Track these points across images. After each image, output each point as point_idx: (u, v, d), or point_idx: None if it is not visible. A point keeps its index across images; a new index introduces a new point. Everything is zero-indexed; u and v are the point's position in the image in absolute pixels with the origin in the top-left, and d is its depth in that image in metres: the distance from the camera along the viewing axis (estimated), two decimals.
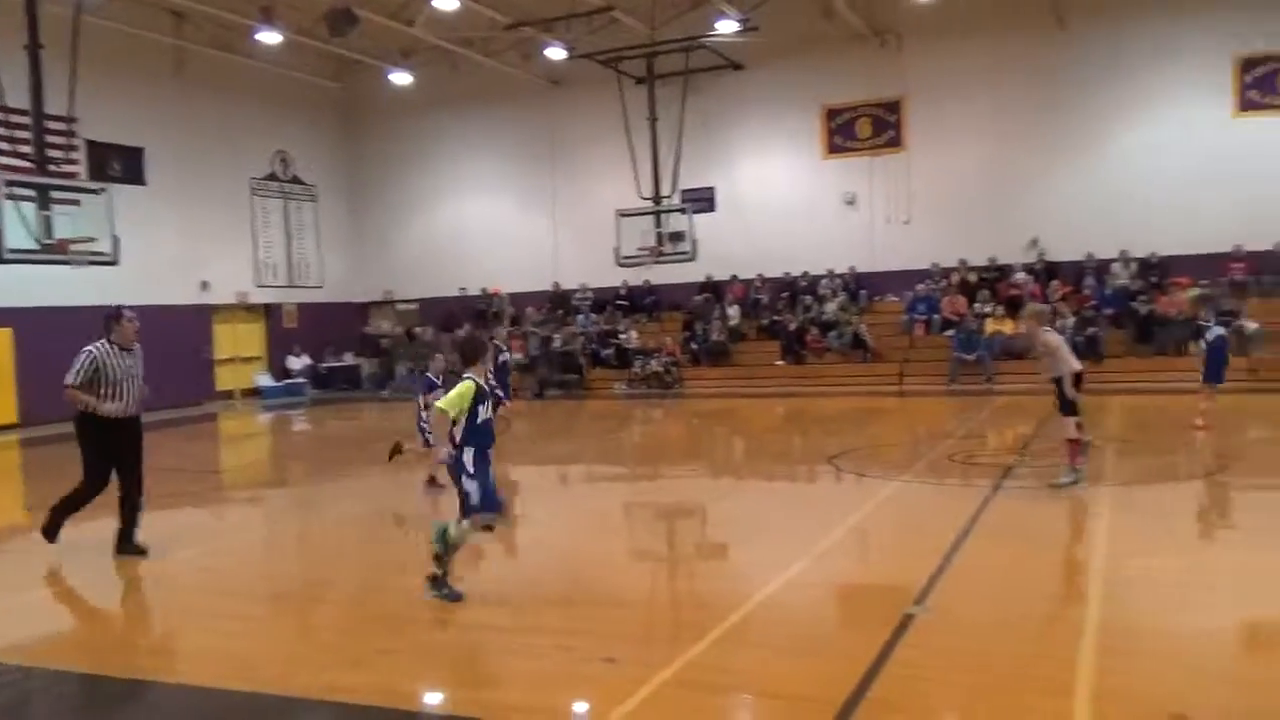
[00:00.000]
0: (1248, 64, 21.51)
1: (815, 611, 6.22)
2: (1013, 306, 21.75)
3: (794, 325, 23.05)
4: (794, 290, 24.47)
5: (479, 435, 6.24)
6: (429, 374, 11.21)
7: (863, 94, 24.28)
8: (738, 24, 21.97)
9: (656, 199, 23.21)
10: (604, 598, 6.48)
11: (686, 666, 5.13)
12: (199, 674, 5.44)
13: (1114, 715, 4.34)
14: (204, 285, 24.75)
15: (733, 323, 24.18)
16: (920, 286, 23.21)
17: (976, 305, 22.12)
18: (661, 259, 22.74)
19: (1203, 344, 13.49)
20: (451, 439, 6.24)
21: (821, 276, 24.38)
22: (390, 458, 11.41)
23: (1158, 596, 6.15)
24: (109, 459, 7.92)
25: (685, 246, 22.43)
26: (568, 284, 27.08)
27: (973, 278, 22.96)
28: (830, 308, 23.39)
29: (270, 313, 27.10)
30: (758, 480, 12.03)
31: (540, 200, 27.65)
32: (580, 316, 26.05)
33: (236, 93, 25.48)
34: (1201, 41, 21.62)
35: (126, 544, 8.00)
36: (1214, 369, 13.35)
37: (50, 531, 8.10)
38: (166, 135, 24.03)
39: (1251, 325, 19.60)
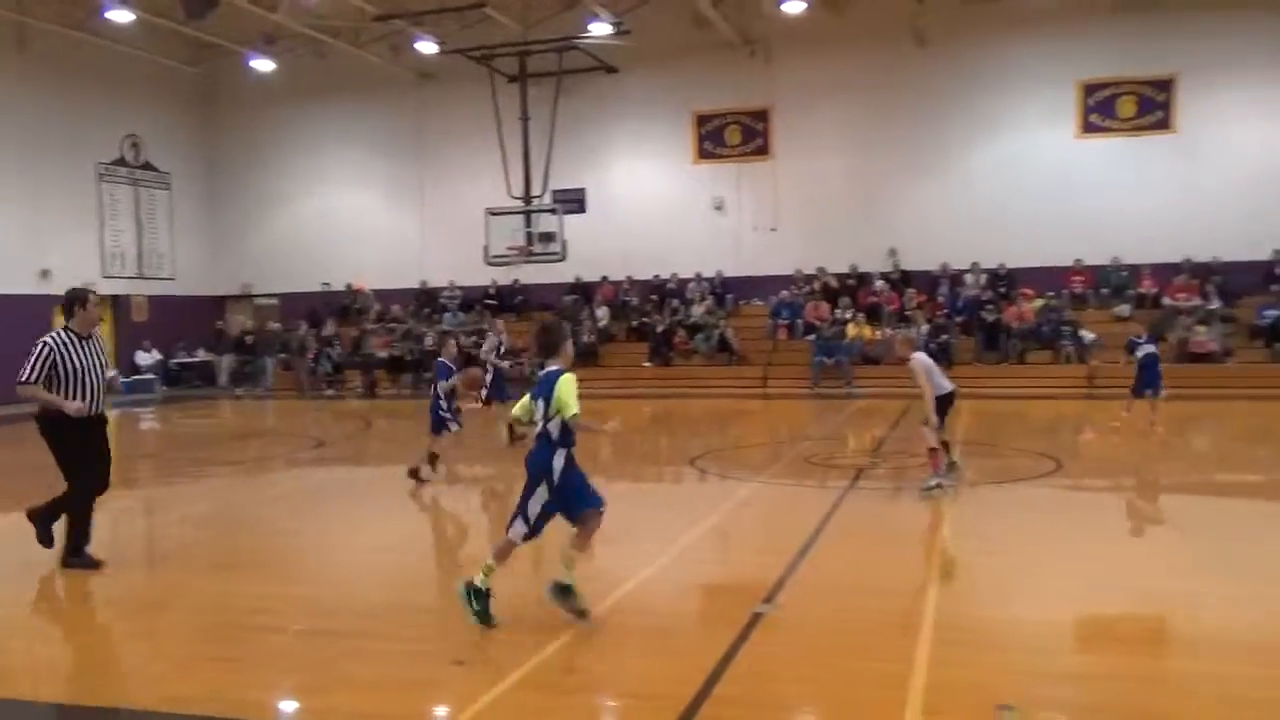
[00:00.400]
0: (1089, 88, 22.80)
1: (668, 611, 6.29)
2: (872, 313, 22.53)
3: (662, 327, 23.28)
4: (662, 293, 24.72)
5: (570, 434, 5.66)
6: (443, 359, 11.22)
7: (732, 102, 24.73)
8: (610, 27, 22.08)
9: (527, 199, 23.12)
10: (457, 601, 6.41)
11: (537, 668, 5.12)
12: (26, 687, 5.14)
13: (944, 706, 4.53)
14: (44, 274, 23.37)
15: (601, 324, 24.27)
16: (784, 292, 23.78)
17: (837, 311, 22.78)
18: (531, 259, 22.66)
19: (1135, 358, 14.37)
20: (546, 436, 5.65)
21: (690, 280, 24.71)
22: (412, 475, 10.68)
23: (991, 591, 6.45)
24: (84, 456, 7.20)
25: (555, 247, 22.40)
26: (435, 282, 26.70)
27: (834, 284, 23.63)
28: (697, 311, 23.72)
29: (118, 305, 25.80)
30: (624, 481, 12.08)
31: (408, 195, 27.19)
32: (448, 315, 25.71)
33: (84, 73, 24.20)
34: (1049, 66, 22.82)
35: (77, 556, 7.26)
36: (1149, 380, 14.19)
37: (44, 538, 7.36)
38: (6, 116, 22.67)
39: (1089, 335, 20.78)
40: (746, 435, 16.10)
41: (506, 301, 25.78)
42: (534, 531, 5.75)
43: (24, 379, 6.97)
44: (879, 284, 23.35)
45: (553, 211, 22.65)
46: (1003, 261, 22.86)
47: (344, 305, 26.53)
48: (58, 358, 6.97)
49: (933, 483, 9.38)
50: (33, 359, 6.96)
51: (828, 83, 23.87)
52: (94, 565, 7.23)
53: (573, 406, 5.54)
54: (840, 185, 24.07)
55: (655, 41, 23.45)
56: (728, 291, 24.54)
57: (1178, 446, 13.99)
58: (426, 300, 26.48)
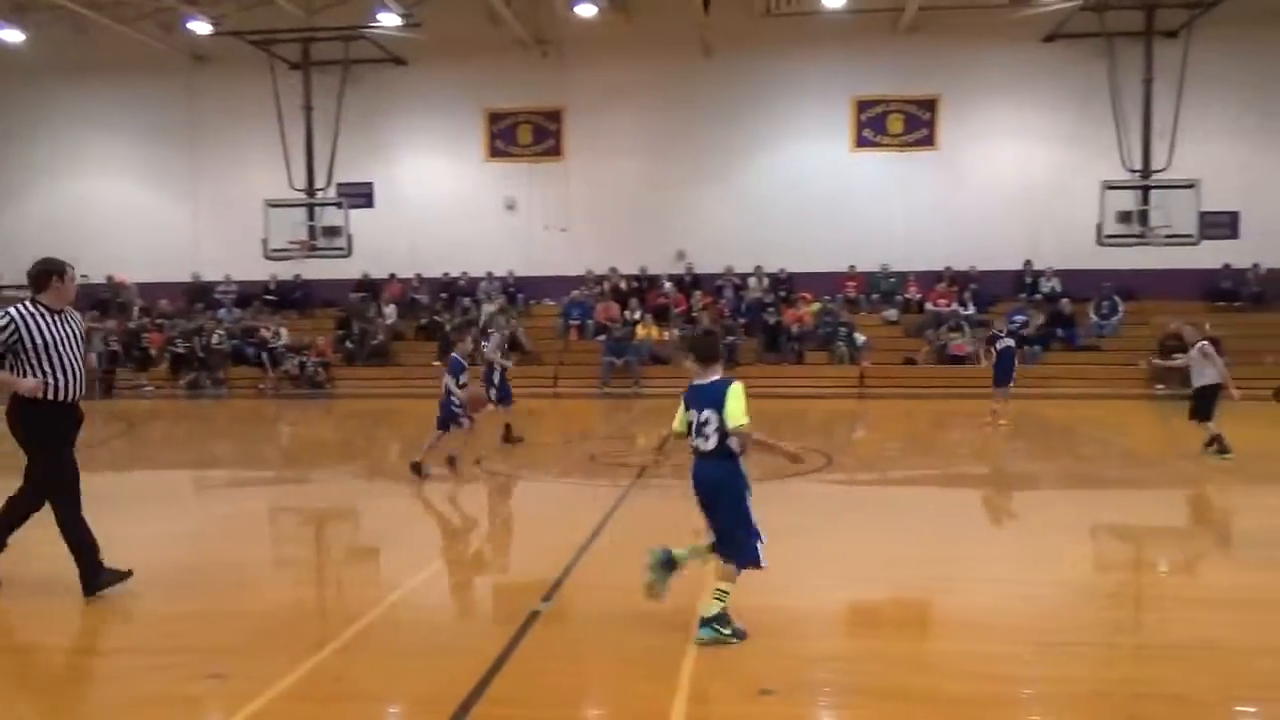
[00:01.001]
0: (863, 105, 24.17)
1: (445, 613, 6.19)
2: (660, 315, 23.02)
3: (451, 326, 22.94)
4: (453, 291, 24.37)
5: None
6: (457, 355, 11.15)
7: (525, 101, 24.69)
8: (399, 18, 21.57)
9: (310, 191, 22.27)
10: (218, 610, 6.08)
11: (303, 677, 4.91)
12: None
13: (709, 695, 4.67)
14: None
15: (389, 322, 23.67)
16: (575, 292, 23.94)
17: (627, 312, 23.14)
18: (314, 254, 21.83)
19: (994, 352, 15.40)
20: (728, 450, 5.35)
21: (481, 278, 24.47)
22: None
23: (760, 582, 6.69)
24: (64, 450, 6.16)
25: (340, 242, 21.70)
26: (209, 275, 25.27)
27: (624, 285, 24.00)
28: (488, 309, 23.51)
29: None
30: (406, 482, 11.81)
31: (179, 184, 25.62)
32: (222, 310, 24.38)
33: None
34: (826, 82, 24.04)
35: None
36: (1004, 374, 15.13)
37: None
38: None
39: (861, 337, 22.02)
40: (536, 434, 16.05)
41: (287, 297, 24.72)
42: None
43: None
44: (667, 286, 23.90)
45: (338, 205, 21.93)
46: (784, 266, 23.89)
47: (103, 299, 24.67)
48: (23, 332, 5.98)
49: None
50: None
51: (619, 87, 24.23)
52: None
53: (741, 417, 5.30)
54: (631, 188, 24.48)
55: (447, 36, 23.10)
56: (519, 291, 24.46)
57: (935, 441, 15.03)
58: (199, 294, 25.01)
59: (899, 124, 24.16)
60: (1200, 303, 22.33)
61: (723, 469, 5.42)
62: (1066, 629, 5.68)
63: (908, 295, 23.57)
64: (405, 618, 5.96)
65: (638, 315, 23.04)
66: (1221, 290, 22.77)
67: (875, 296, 23.77)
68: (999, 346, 15.52)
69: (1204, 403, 11.74)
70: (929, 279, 23.64)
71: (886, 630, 5.86)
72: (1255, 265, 22.87)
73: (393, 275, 24.84)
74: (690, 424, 5.50)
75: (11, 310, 6.08)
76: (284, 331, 23.29)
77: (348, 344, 23.25)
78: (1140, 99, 21.50)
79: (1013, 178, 23.63)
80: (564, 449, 14.02)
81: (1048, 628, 5.67)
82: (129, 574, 6.18)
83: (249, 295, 24.76)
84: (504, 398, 13.27)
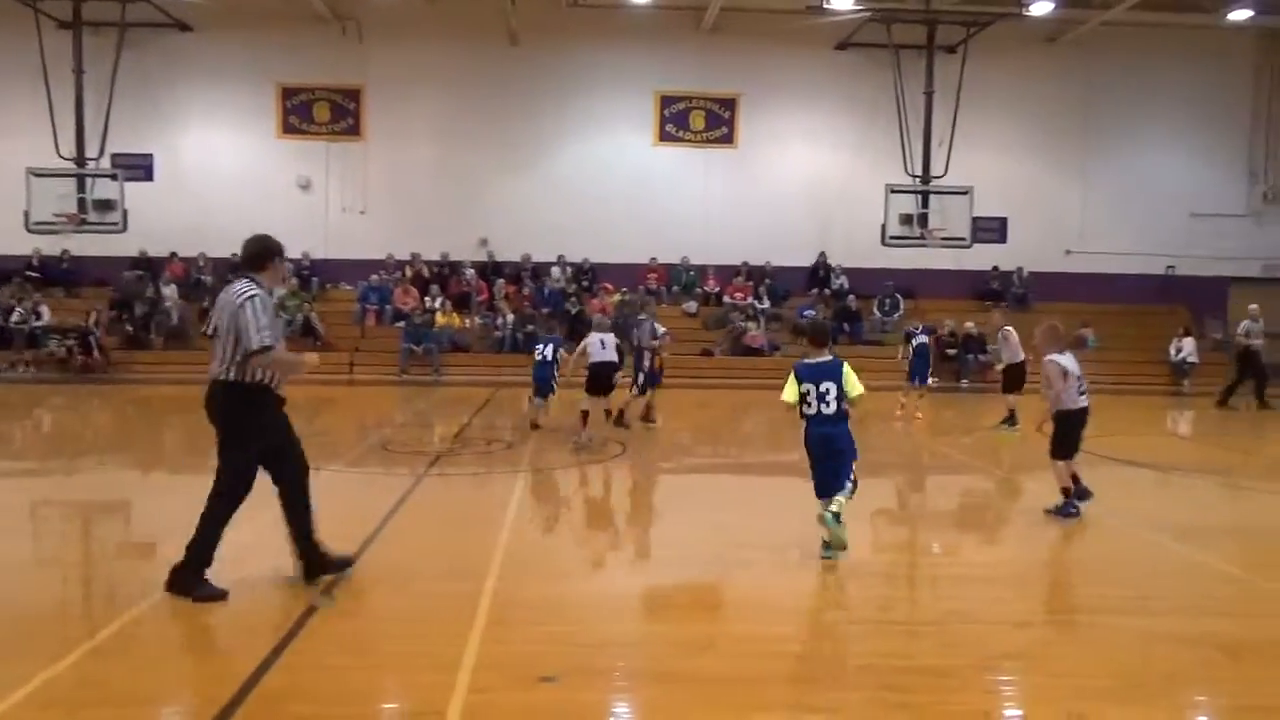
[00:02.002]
0: (666, 100, 24.58)
1: (214, 611, 5.85)
2: (461, 302, 22.68)
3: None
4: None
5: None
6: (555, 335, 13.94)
7: (322, 77, 23.76)
8: None
9: (80, 161, 20.65)
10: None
11: (47, 684, 4.53)
12: None
13: (490, 682, 4.60)
14: None
15: (168, 303, 22.24)
16: (374, 277, 23.24)
17: (428, 299, 22.66)
18: (84, 228, 20.25)
19: (910, 348, 15.85)
20: (844, 415, 6.74)
21: None
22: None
23: (548, 569, 6.69)
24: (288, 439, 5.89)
25: (114, 217, 20.28)
26: None
27: (425, 272, 23.49)
28: (279, 292, 22.44)
29: None
30: (178, 475, 11.12)
31: None
32: None
33: None
34: (632, 75, 24.29)
35: (320, 562, 6.00)
36: (920, 370, 15.67)
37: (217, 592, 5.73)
38: None
39: (661, 329, 22.34)
40: (329, 423, 15.49)
41: (52, 273, 22.82)
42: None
43: (268, 342, 5.47)
44: (469, 273, 23.56)
45: (112, 177, 20.45)
46: (586, 256, 24.00)
47: None
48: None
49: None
50: (259, 314, 5.46)
51: (423, 69, 23.69)
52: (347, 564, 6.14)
53: (859, 387, 6.73)
54: (433, 172, 23.99)
55: (236, 3, 21.92)
56: (313, 274, 23.52)
57: (730, 430, 15.49)
58: None
59: (701, 120, 24.71)
60: (971, 301, 23.99)
61: (841, 428, 6.79)
62: (839, 608, 5.95)
63: (707, 288, 24.16)
64: (168, 618, 5.59)
65: (438, 302, 22.60)
66: (990, 290, 24.52)
67: (675, 289, 24.24)
68: (914, 344, 16.16)
69: (1011, 380, 13.28)
70: (727, 273, 24.32)
71: (671, 614, 5.96)
72: (1020, 269, 24.77)
73: (174, 254, 23.35)
74: (805, 394, 6.77)
75: (253, 288, 5.63)
76: (45, 310, 21.47)
77: (126, 326, 21.69)
78: (922, 109, 22.81)
79: (806, 178, 24.62)
80: (357, 438, 13.57)
81: (822, 607, 5.93)
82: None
83: (8, 271, 22.66)
84: (652, 382, 13.80)
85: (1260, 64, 25.41)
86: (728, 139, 24.78)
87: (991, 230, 23.95)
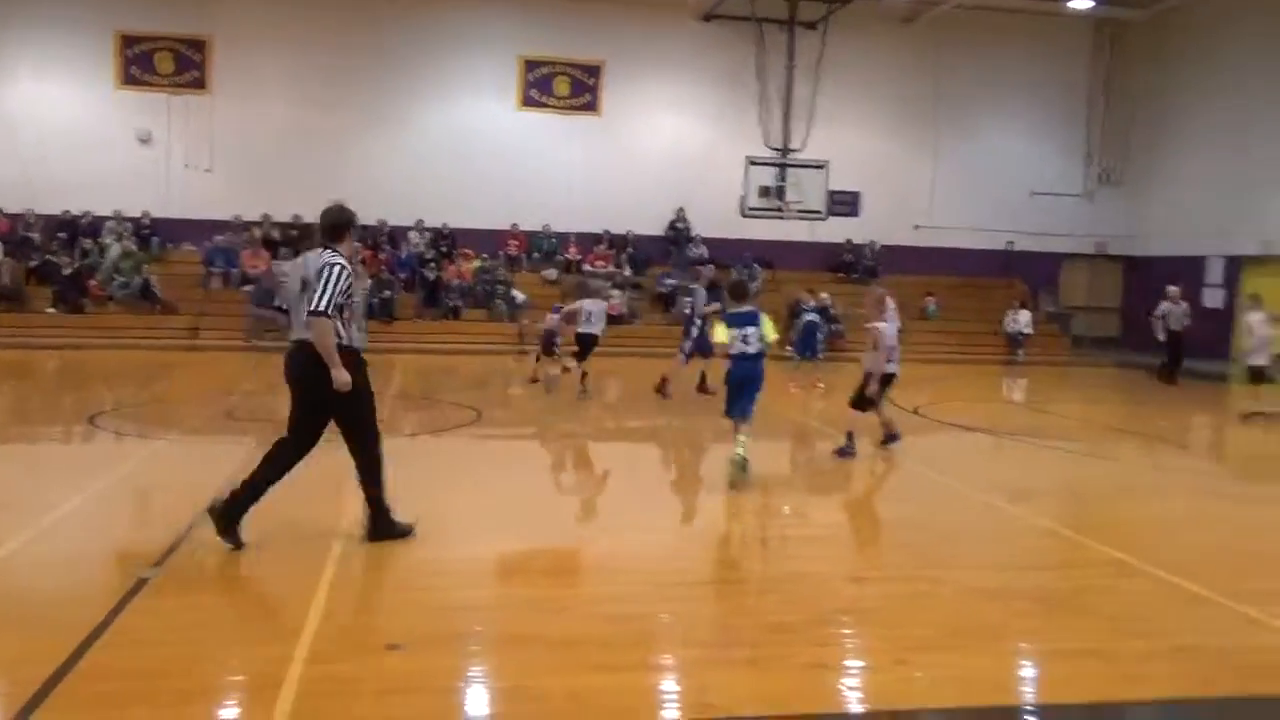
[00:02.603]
0: (530, 64, 24.26)
1: (35, 585, 5.54)
2: None
3: (71, 270, 20.55)
4: (74, 231, 21.80)
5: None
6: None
7: (163, 25, 22.51)
8: None
9: None
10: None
11: None
12: None
13: (331, 654, 4.50)
14: None
15: None
16: (220, 238, 22.25)
17: (277, 262, 21.85)
18: None
19: (799, 323, 15.99)
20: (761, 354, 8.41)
21: (107, 218, 22.07)
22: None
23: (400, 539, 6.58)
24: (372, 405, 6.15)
25: None
26: None
27: (276, 234, 22.64)
28: (115, 252, 21.28)
29: None
30: (5, 444, 10.47)
31: None
32: None
33: None
34: (495, 39, 23.89)
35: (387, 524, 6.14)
36: (807, 344, 15.81)
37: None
38: None
39: (520, 296, 22.24)
40: (168, 390, 14.84)
41: None
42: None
43: (321, 307, 5.64)
44: None
45: None
46: (446, 221, 23.58)
47: None
48: (351, 286, 5.81)
49: None
50: (331, 282, 5.67)
51: (275, 23, 22.70)
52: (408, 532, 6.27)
53: (773, 333, 8.46)
54: (285, 130, 23.06)
55: None
56: (154, 234, 22.34)
57: (592, 397, 15.53)
58: None
59: (565, 86, 24.51)
60: (825, 273, 24.65)
61: (759, 366, 8.40)
62: (687, 569, 6.06)
63: (568, 255, 24.09)
64: None
65: (289, 265, 21.80)
66: (843, 263, 25.25)
67: (536, 255, 24.09)
68: (805, 319, 16.29)
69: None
70: (588, 241, 24.29)
71: (525, 578, 5.97)
72: (872, 242, 25.57)
73: (0, 210, 21.83)
74: (733, 336, 8.29)
75: (340, 260, 5.83)
76: None
77: None
78: (783, 83, 23.22)
79: (669, 148, 24.74)
80: (199, 406, 13.02)
81: (671, 569, 6.03)
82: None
83: None
84: (704, 349, 13.60)
85: (1097, 52, 26.80)
86: (591, 106, 24.66)
87: (846, 204, 24.62)
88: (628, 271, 23.80)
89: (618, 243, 24.36)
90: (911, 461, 9.82)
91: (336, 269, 5.75)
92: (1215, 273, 24.07)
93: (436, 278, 22.11)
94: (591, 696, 4.18)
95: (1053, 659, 4.82)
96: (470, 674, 4.49)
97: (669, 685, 4.44)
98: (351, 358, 5.91)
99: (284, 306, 6.12)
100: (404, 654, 4.52)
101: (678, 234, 24.89)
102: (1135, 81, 26.55)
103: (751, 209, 22.20)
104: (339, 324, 5.81)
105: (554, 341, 14.82)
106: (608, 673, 4.43)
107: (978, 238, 25.95)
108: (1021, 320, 23.41)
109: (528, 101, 24.37)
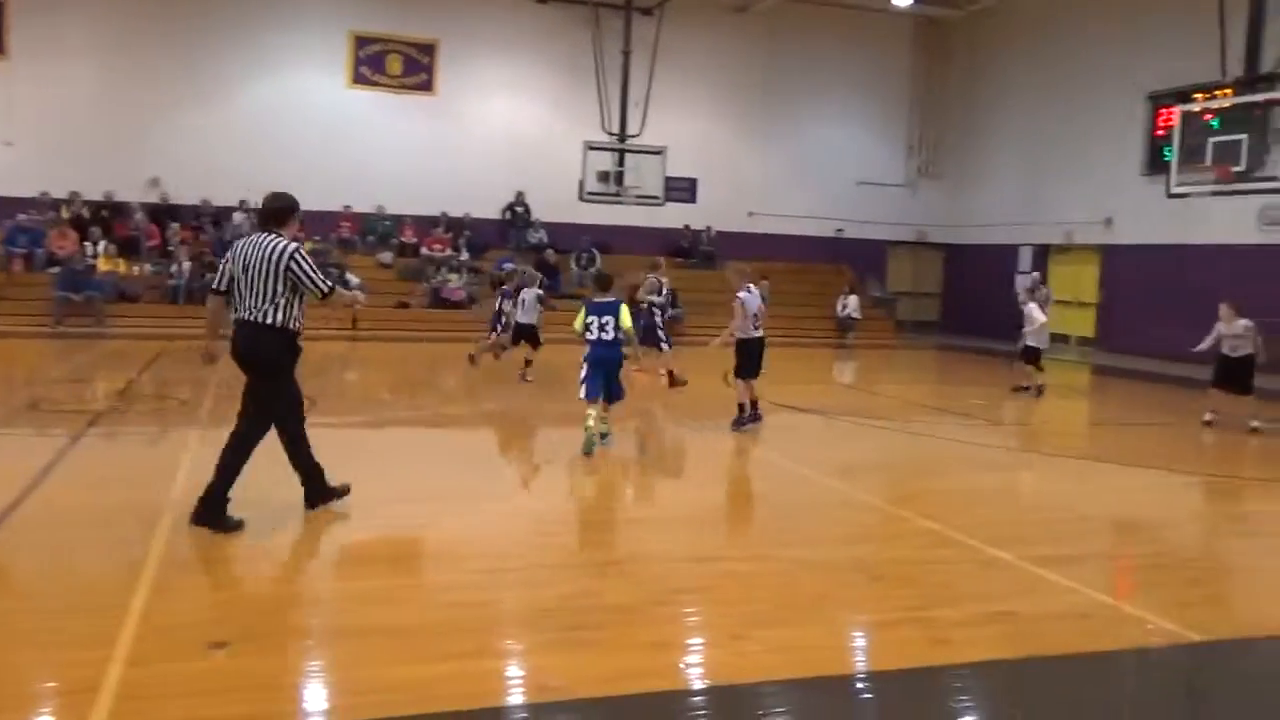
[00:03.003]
0: (361, 41, 23.56)
1: None
2: (129, 247, 20.79)
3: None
4: None
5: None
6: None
7: None
8: None
9: None
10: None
11: None
12: None
13: (152, 654, 4.29)
14: None
15: None
16: (23, 217, 20.69)
17: (88, 243, 20.52)
18: None
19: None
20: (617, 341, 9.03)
21: None
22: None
23: (230, 534, 6.33)
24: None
25: None
26: None
27: (85, 213, 21.24)
28: None
29: None
30: None
31: None
32: None
33: None
34: (324, 12, 23.11)
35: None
36: (647, 334, 15.04)
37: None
38: None
39: (355, 280, 21.60)
40: None
41: None
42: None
43: (330, 288, 6.35)
44: (138, 216, 21.57)
45: None
46: None
47: None
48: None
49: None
50: (313, 267, 6.24)
51: None
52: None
53: (629, 322, 9.03)
54: (95, 101, 21.67)
55: None
56: None
57: (426, 384, 15.28)
58: None
59: (398, 65, 23.92)
60: (663, 259, 24.93)
61: (616, 350, 9.01)
62: (528, 554, 6.07)
63: (403, 239, 23.57)
64: None
65: (101, 246, 20.50)
66: (680, 248, 25.65)
67: (371, 238, 23.46)
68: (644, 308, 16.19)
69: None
70: (425, 224, 23.83)
71: (356, 569, 5.84)
72: (708, 228, 26.08)
73: None
74: (589, 324, 8.87)
75: (296, 243, 6.22)
76: None
77: None
78: (620, 68, 23.28)
79: (506, 130, 24.51)
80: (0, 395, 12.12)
81: (512, 554, 6.02)
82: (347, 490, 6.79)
83: None
84: (657, 341, 14.13)
85: (917, 49, 28.09)
86: (427, 86, 24.16)
87: (683, 190, 24.98)
88: (465, 255, 23.49)
89: (455, 226, 24.01)
90: (749, 443, 10.11)
91: (300, 251, 6.18)
92: (1025, 261, 25.69)
93: None
94: (431, 685, 4.14)
95: (875, 628, 5.08)
96: (302, 669, 4.37)
97: (511, 670, 4.45)
98: (297, 339, 6.36)
99: (219, 288, 6.32)
100: (229, 653, 4.35)
101: (516, 217, 24.75)
102: (951, 78, 28.01)
103: (590, 193, 22.20)
104: (297, 305, 6.23)
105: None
106: (448, 661, 4.39)
107: (808, 225, 26.84)
108: (850, 305, 24.35)
109: (359, 79, 23.68)
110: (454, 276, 22.60)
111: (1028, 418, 13.53)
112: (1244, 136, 14.28)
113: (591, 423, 8.82)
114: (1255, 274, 18.91)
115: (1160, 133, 21.38)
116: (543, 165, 24.18)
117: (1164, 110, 20.97)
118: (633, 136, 22.95)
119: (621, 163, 22.34)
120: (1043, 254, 25.35)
